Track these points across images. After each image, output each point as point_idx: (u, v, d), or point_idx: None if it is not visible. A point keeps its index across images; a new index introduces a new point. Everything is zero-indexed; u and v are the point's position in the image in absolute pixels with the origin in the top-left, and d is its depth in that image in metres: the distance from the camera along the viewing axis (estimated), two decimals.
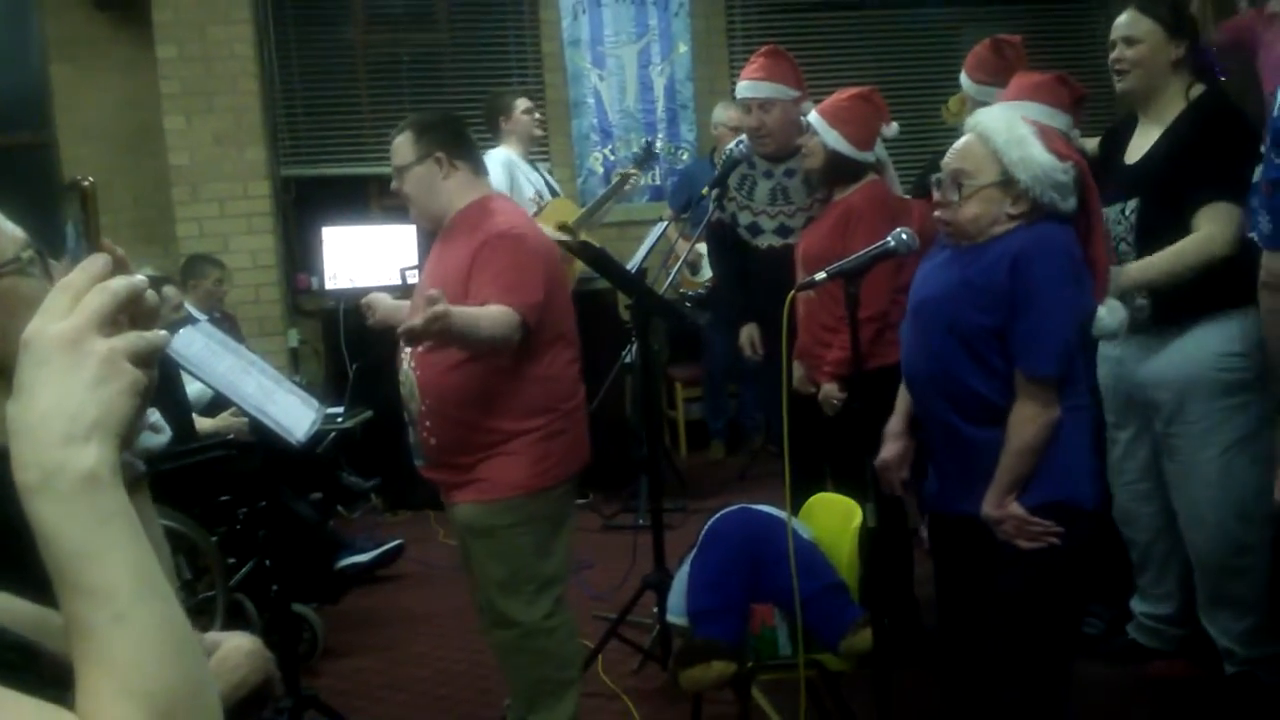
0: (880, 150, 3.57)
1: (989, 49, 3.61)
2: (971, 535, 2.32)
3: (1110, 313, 2.46)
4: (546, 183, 5.40)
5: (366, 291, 5.99)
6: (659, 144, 6.73)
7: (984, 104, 3.40)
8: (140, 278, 0.82)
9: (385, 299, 2.95)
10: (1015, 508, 2.25)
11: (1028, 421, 2.23)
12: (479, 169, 2.84)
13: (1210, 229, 2.87)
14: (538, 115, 5.39)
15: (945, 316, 2.30)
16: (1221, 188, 2.84)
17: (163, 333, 0.84)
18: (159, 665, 0.74)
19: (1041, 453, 2.24)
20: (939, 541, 2.54)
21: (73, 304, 0.78)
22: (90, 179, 0.89)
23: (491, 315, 2.56)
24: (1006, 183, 2.25)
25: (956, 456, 2.36)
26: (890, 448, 2.56)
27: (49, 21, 6.23)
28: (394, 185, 2.82)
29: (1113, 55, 3.09)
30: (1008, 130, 2.27)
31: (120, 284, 0.79)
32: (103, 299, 0.78)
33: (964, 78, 3.69)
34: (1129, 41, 3.05)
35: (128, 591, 0.75)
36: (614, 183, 5.27)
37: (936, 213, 2.36)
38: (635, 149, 6.66)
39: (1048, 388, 2.23)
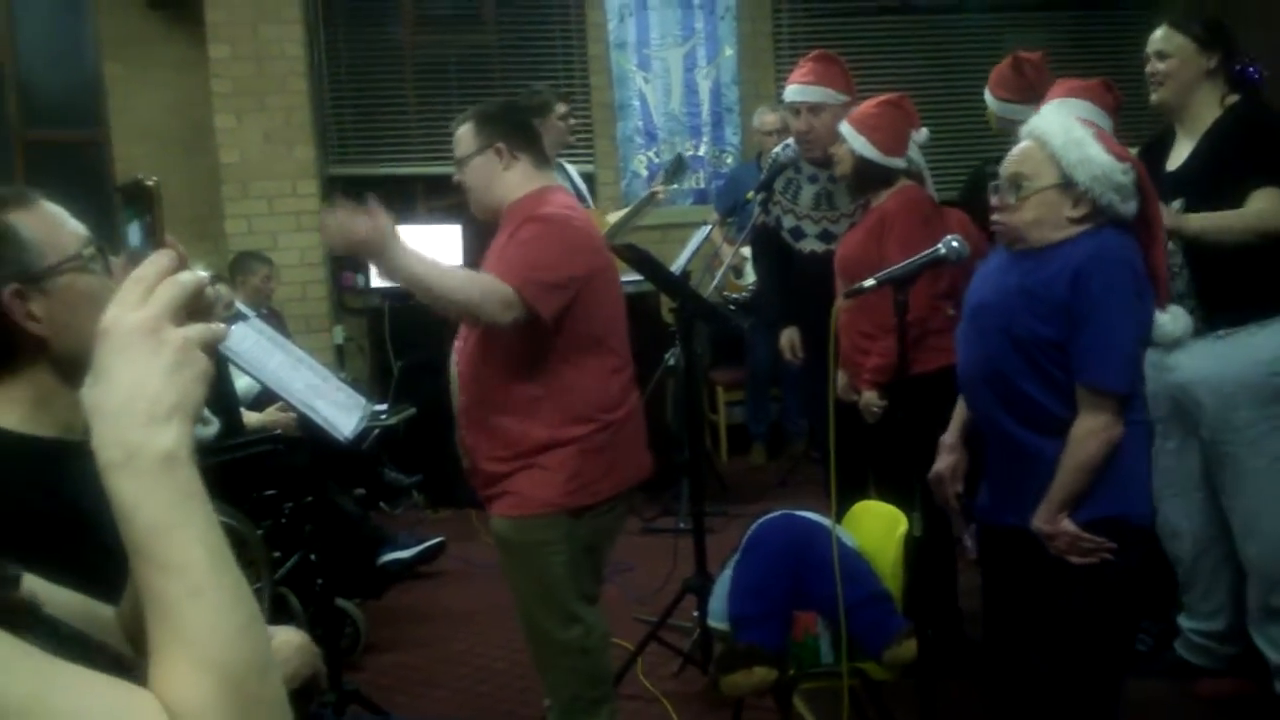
0: (915, 155, 3.56)
1: (1009, 67, 3.68)
2: (1023, 548, 2.28)
3: (1174, 319, 2.43)
4: (575, 187, 5.38)
5: (411, 292, 6.09)
6: (703, 147, 6.73)
7: (1009, 120, 3.48)
8: (203, 273, 0.86)
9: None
10: (1068, 524, 2.22)
11: (1089, 437, 2.19)
12: (540, 161, 2.76)
13: (1265, 204, 2.86)
14: (572, 121, 5.33)
15: (1003, 323, 2.27)
16: (1269, 175, 2.85)
17: (223, 325, 0.88)
18: (231, 639, 0.78)
19: (1101, 469, 2.21)
20: (989, 554, 2.51)
21: (145, 296, 0.82)
22: (155, 179, 0.92)
23: (471, 277, 2.49)
24: (1066, 185, 2.23)
25: (1010, 465, 2.33)
26: (944, 460, 2.52)
27: (103, 21, 6.33)
28: (455, 176, 2.78)
29: (1147, 68, 3.14)
30: (1065, 132, 2.25)
31: (188, 278, 0.84)
32: (174, 291, 0.83)
33: (988, 95, 3.75)
34: (1161, 55, 3.09)
35: (203, 567, 0.78)
36: (644, 197, 5.25)
37: (994, 216, 2.33)
38: (679, 151, 6.66)
39: (1112, 403, 2.20)
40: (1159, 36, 3.12)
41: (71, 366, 1.47)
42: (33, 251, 1.43)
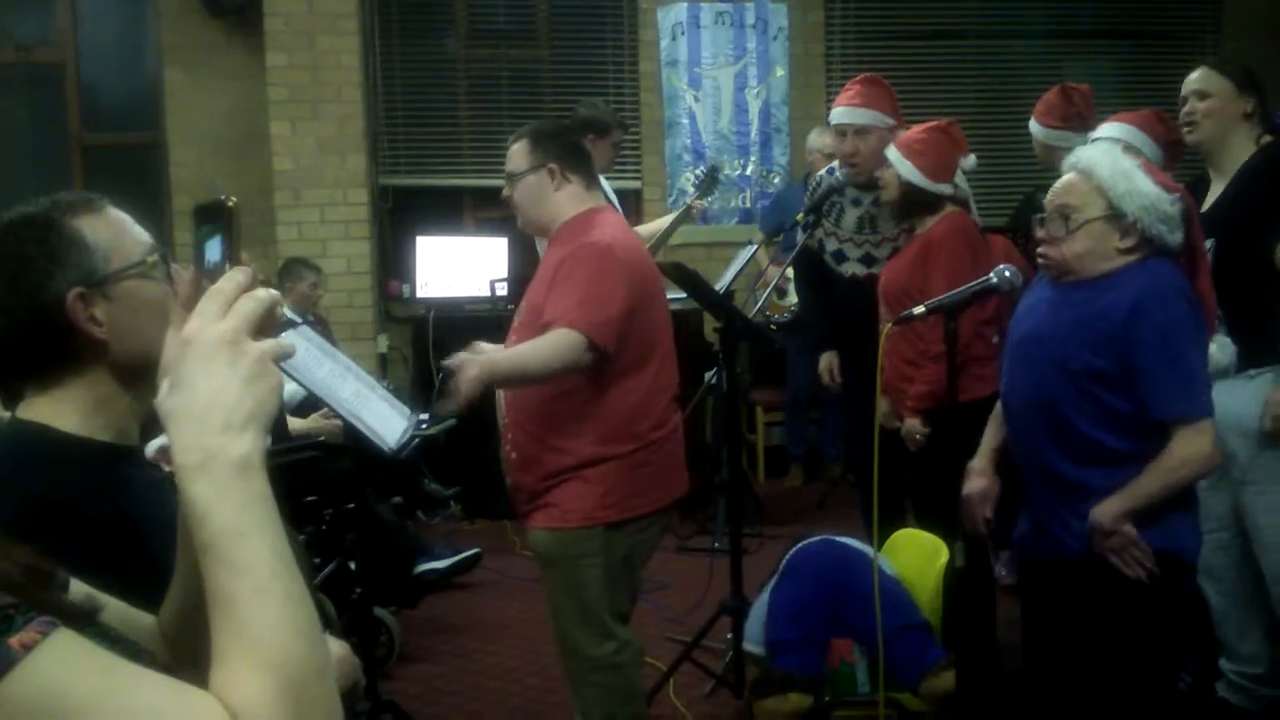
0: (961, 182, 3.54)
1: (1057, 95, 3.73)
2: (1064, 581, 2.26)
3: (1221, 349, 2.41)
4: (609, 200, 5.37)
5: (457, 301, 6.13)
6: (751, 167, 6.73)
7: (1055, 147, 3.51)
8: (275, 292, 0.90)
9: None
10: (1130, 526, 2.20)
11: (1197, 460, 2.20)
12: (591, 183, 2.80)
13: None
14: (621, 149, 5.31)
15: (1055, 355, 2.26)
16: None
17: (290, 342, 0.91)
18: (292, 640, 0.81)
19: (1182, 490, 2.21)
20: (1029, 586, 2.49)
21: (224, 309, 0.86)
22: (234, 199, 0.96)
23: (542, 347, 2.53)
24: (1115, 216, 2.22)
25: (1051, 497, 2.31)
26: (974, 484, 2.51)
27: (164, 28, 6.44)
28: (505, 192, 2.82)
29: (1184, 109, 3.14)
30: (1112, 164, 2.24)
31: (264, 295, 0.88)
32: (253, 306, 0.87)
33: (1033, 123, 3.77)
34: (1201, 95, 3.10)
35: (268, 569, 0.82)
36: (680, 211, 5.26)
37: (1041, 249, 2.32)
38: (726, 171, 6.67)
39: (1203, 427, 2.20)
40: (1198, 77, 3.13)
41: (130, 371, 1.50)
42: (97, 256, 1.46)
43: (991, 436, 2.51)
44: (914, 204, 3.49)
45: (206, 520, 0.82)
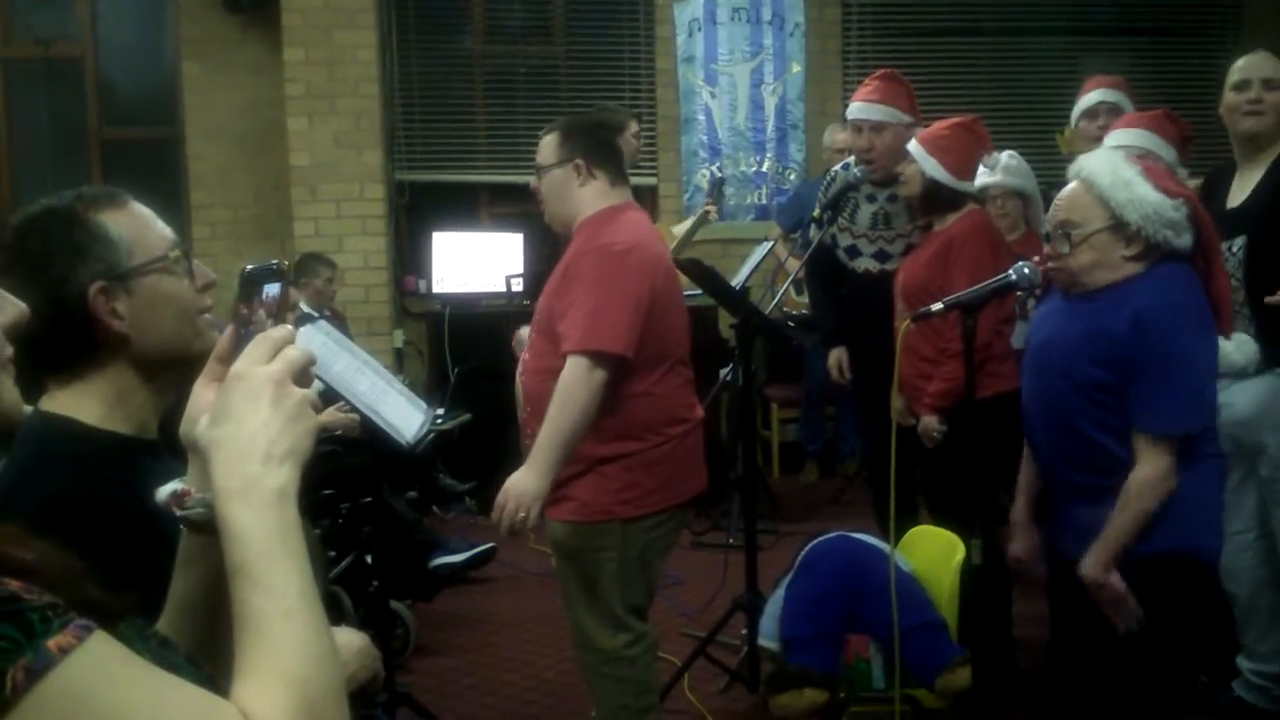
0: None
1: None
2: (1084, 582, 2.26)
3: (1239, 347, 2.39)
4: None
5: (473, 297, 6.14)
6: (767, 163, 6.72)
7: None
8: (310, 350, 0.99)
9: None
10: (1116, 579, 2.19)
11: (1149, 485, 2.17)
12: (617, 179, 2.79)
13: None
14: (641, 135, 5.35)
15: (1063, 366, 2.25)
16: None
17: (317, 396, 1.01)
18: (313, 660, 0.86)
19: (1156, 515, 2.18)
20: (1058, 583, 2.48)
21: (271, 353, 0.95)
22: (287, 261, 1.06)
23: (564, 402, 2.52)
24: (1117, 226, 2.20)
25: (1073, 503, 2.31)
26: (1020, 543, 2.50)
27: (182, 22, 6.47)
28: (532, 183, 2.83)
29: (1249, 95, 3.05)
30: (1112, 173, 2.22)
31: (307, 348, 0.98)
32: (298, 355, 0.96)
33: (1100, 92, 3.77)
34: (1270, 85, 3.03)
35: (297, 593, 0.87)
36: (697, 217, 5.29)
37: (1048, 264, 2.31)
38: (743, 167, 6.67)
39: (1169, 450, 2.17)
40: (1271, 65, 3.05)
41: (150, 365, 1.51)
42: (120, 250, 1.46)
43: (1026, 478, 2.48)
44: (936, 201, 3.46)
45: (243, 542, 0.88)
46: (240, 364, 0.94)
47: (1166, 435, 2.17)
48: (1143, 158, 2.55)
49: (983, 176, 3.52)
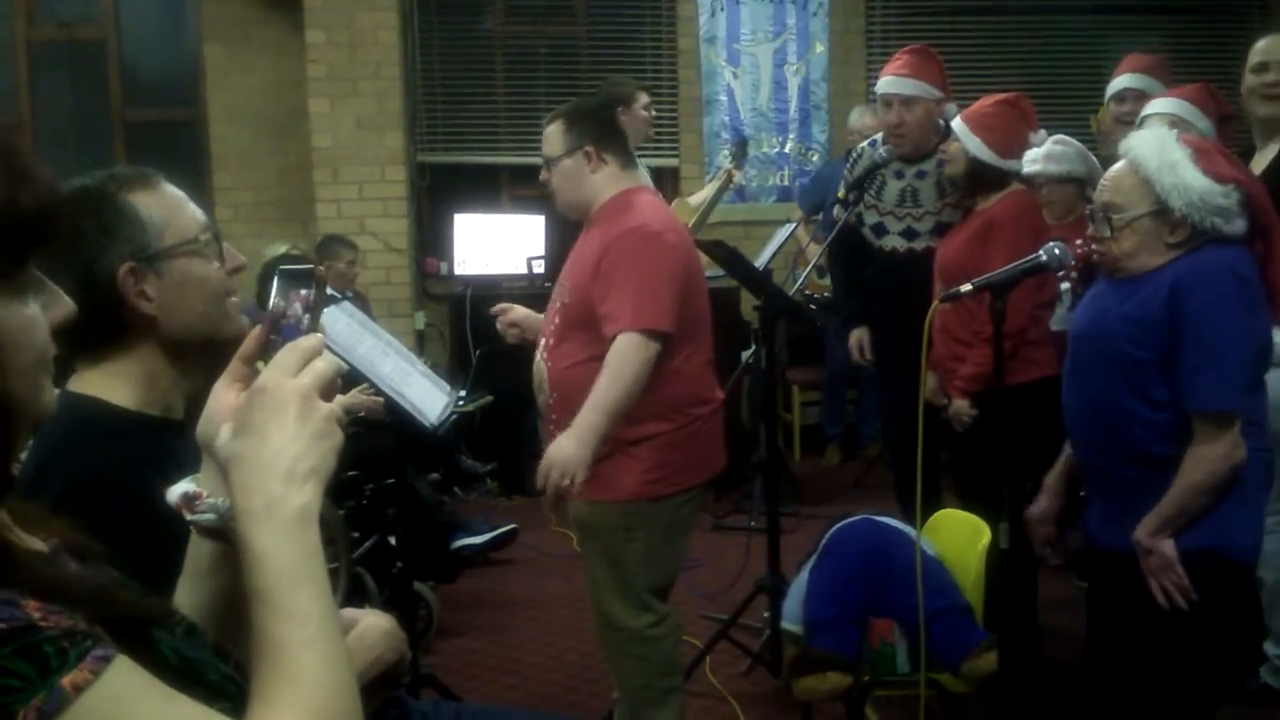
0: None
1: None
2: (1126, 571, 2.22)
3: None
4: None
5: (494, 278, 6.13)
6: (789, 144, 6.68)
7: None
8: (336, 360, 0.95)
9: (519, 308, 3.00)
10: (1168, 545, 2.15)
11: (1202, 461, 2.11)
12: (627, 161, 2.79)
13: None
14: (654, 112, 5.29)
15: (1102, 352, 2.21)
16: None
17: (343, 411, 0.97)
18: (333, 691, 0.84)
19: (1220, 494, 2.12)
20: (1095, 572, 2.45)
21: (300, 365, 0.91)
22: (323, 268, 1.03)
23: (616, 373, 2.52)
24: (1161, 211, 2.14)
25: (1110, 492, 2.28)
26: (1040, 503, 2.48)
27: (204, 5, 6.47)
28: (542, 175, 2.82)
29: (1267, 78, 3.04)
30: (1160, 155, 2.14)
31: (336, 361, 0.94)
32: (326, 368, 0.92)
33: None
34: None
35: (318, 621, 0.85)
36: (720, 183, 5.23)
37: (1092, 246, 2.27)
38: (764, 148, 6.63)
39: (1225, 424, 2.11)
40: None
41: (177, 347, 1.51)
42: (150, 232, 1.46)
43: (1068, 451, 2.45)
44: (980, 180, 3.40)
45: (263, 567, 0.85)
46: (268, 374, 0.91)
47: (1216, 411, 2.11)
48: (1174, 126, 2.52)
49: (1028, 165, 3.46)
